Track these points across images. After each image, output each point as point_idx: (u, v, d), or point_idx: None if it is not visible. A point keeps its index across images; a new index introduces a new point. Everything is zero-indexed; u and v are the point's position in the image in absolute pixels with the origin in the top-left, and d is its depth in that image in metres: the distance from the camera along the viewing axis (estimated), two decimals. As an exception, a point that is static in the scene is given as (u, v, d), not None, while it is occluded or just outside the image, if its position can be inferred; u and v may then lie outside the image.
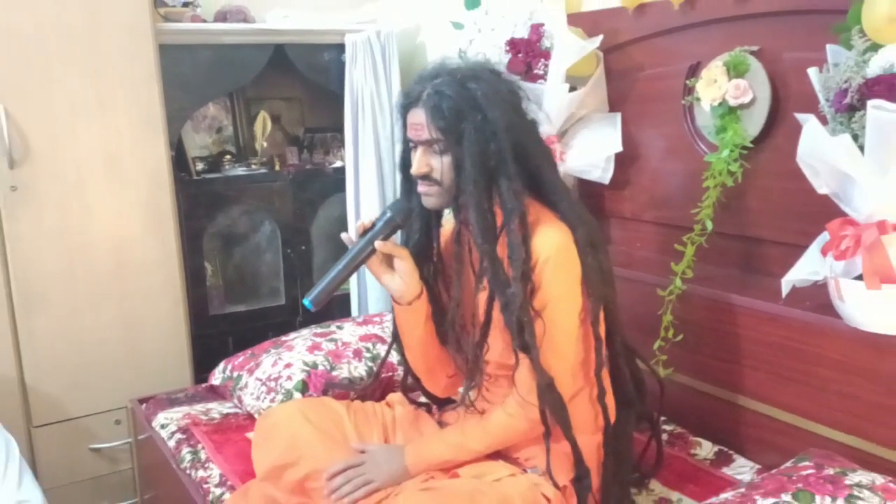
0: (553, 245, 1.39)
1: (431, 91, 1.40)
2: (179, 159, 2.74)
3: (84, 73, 2.30)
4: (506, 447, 1.51)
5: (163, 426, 2.08)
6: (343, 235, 1.55)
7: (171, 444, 1.99)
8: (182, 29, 2.60)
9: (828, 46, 1.51)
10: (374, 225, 1.50)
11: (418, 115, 1.42)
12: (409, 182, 1.53)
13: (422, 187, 1.46)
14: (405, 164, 1.51)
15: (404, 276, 1.51)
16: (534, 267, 1.38)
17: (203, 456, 1.88)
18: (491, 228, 1.39)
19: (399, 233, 1.58)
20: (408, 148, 1.49)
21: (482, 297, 1.44)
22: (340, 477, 1.46)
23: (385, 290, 1.59)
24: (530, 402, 1.41)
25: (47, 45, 2.24)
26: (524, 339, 1.37)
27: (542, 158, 1.47)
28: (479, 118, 1.37)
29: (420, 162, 1.43)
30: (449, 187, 1.43)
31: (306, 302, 1.47)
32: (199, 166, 2.87)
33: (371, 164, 2.85)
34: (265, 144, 3.00)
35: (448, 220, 1.62)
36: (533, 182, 1.45)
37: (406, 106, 1.46)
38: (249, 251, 3.10)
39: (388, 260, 1.52)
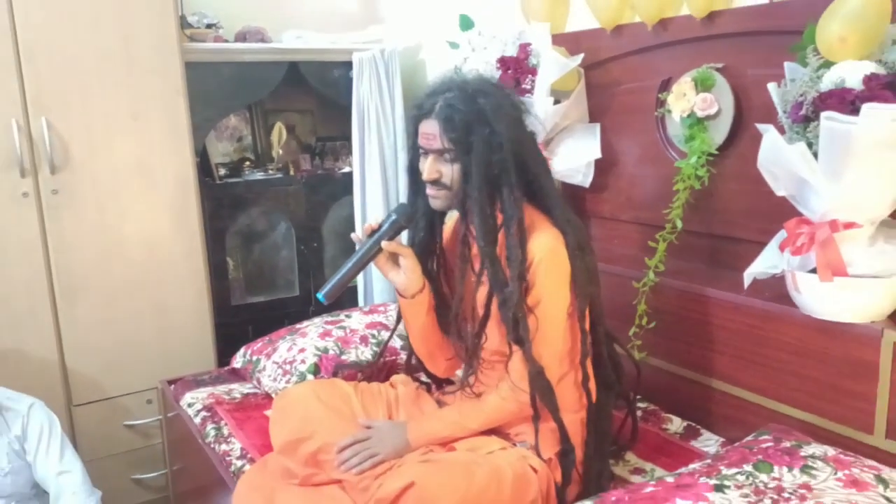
0: (546, 248, 1.39)
1: (444, 104, 1.39)
2: (204, 165, 2.74)
3: (118, 88, 2.29)
4: (498, 425, 1.51)
5: (189, 405, 2.08)
6: (353, 235, 1.55)
7: (197, 420, 1.99)
8: (206, 48, 2.60)
9: (785, 64, 1.51)
10: (380, 226, 1.50)
11: (431, 126, 1.40)
12: (416, 184, 1.52)
13: (431, 190, 1.45)
14: (413, 168, 1.51)
15: (408, 273, 1.51)
16: (528, 267, 1.38)
17: (226, 431, 1.88)
18: (492, 231, 1.39)
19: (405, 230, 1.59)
20: (417, 154, 1.48)
21: (481, 293, 1.44)
22: (349, 450, 1.47)
23: (390, 284, 1.60)
24: (521, 388, 1.41)
25: (86, 64, 2.23)
26: (518, 333, 1.38)
27: (540, 168, 1.47)
28: (487, 131, 1.37)
29: (431, 169, 1.42)
30: (457, 192, 1.42)
31: (320, 296, 1.48)
32: (222, 171, 2.87)
33: (376, 170, 2.85)
34: (281, 152, 3.00)
35: (450, 218, 1.62)
36: (531, 190, 1.45)
37: (418, 116, 1.44)
38: (267, 248, 3.10)
39: (394, 258, 1.52)
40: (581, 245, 1.45)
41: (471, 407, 1.49)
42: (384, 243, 1.48)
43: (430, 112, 1.41)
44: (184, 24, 2.58)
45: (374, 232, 1.50)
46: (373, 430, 1.51)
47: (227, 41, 2.73)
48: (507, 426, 1.52)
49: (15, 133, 2.15)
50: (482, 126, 1.37)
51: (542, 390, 1.40)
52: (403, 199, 2.90)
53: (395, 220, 1.50)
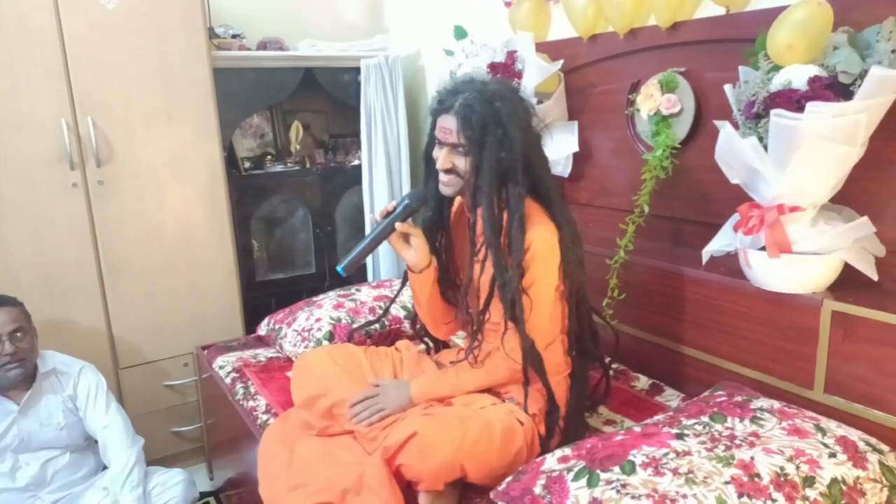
0: (542, 239, 1.37)
1: (463, 102, 1.35)
2: (231, 159, 2.72)
3: (155, 91, 2.27)
4: (489, 387, 1.51)
5: (221, 367, 2.08)
6: (370, 216, 1.54)
7: (228, 381, 1.99)
8: (231, 56, 2.57)
9: (740, 67, 1.50)
10: (395, 209, 1.49)
11: (449, 121, 1.38)
12: (430, 169, 1.49)
13: (443, 177, 1.43)
14: (428, 155, 1.47)
15: (418, 250, 1.51)
16: (525, 251, 1.36)
17: (253, 390, 1.89)
18: (498, 223, 1.37)
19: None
20: (432, 143, 1.45)
21: (486, 276, 1.43)
22: (360, 405, 1.47)
23: (398, 261, 1.59)
24: (513, 358, 1.41)
25: (126, 69, 2.21)
26: (514, 313, 1.37)
27: (542, 168, 1.44)
28: (500, 132, 1.34)
29: (445, 160, 1.40)
30: (468, 183, 1.40)
31: (339, 269, 1.47)
32: (247, 164, 2.84)
33: (382, 162, 2.83)
34: (298, 147, 2.98)
35: (456, 201, 1.60)
36: (534, 187, 1.42)
37: (439, 110, 1.41)
38: (287, 231, 3.09)
39: (405, 237, 1.51)
40: (573, 239, 1.44)
41: (468, 372, 1.49)
42: (397, 224, 1.47)
43: (449, 108, 1.38)
44: (212, 34, 2.55)
45: (388, 214, 1.49)
46: (380, 387, 1.51)
47: (249, 49, 2.70)
48: (498, 386, 1.52)
49: (65, 131, 2.13)
50: (496, 127, 1.34)
51: (533, 361, 1.41)
52: (406, 187, 2.91)
53: (408, 204, 1.49)
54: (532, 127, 1.42)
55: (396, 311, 2.12)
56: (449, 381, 1.50)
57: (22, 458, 1.87)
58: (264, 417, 1.73)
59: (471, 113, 1.34)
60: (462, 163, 1.39)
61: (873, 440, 1.25)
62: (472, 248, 1.45)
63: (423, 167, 1.53)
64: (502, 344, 1.43)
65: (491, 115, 1.34)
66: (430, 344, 1.78)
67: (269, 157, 2.92)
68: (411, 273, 1.55)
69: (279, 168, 2.87)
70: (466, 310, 1.50)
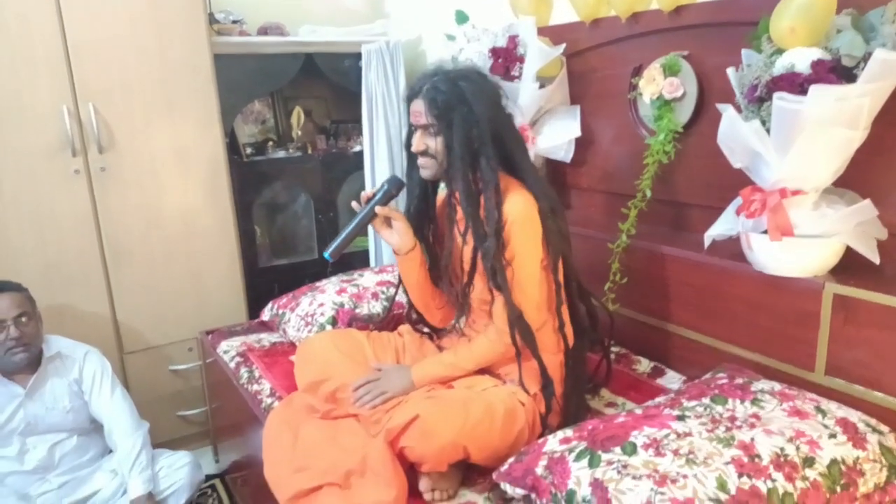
0: (519, 210, 1.40)
1: (430, 86, 1.41)
2: (232, 145, 2.72)
3: (155, 77, 2.26)
4: (489, 365, 1.52)
5: (225, 352, 2.09)
6: (353, 203, 1.56)
7: (232, 365, 2.01)
8: (232, 41, 2.56)
9: (743, 51, 1.49)
10: (375, 195, 1.52)
11: (418, 105, 1.43)
12: (411, 158, 1.53)
13: (420, 160, 1.47)
14: (409, 144, 1.52)
15: (400, 233, 1.53)
16: (504, 226, 1.39)
17: (257, 374, 1.90)
18: (473, 195, 1.41)
19: (403, 200, 1.59)
20: (411, 131, 1.49)
21: (468, 249, 1.46)
22: (362, 389, 1.48)
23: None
24: (505, 331, 1.42)
25: (126, 56, 2.20)
26: (497, 281, 1.40)
27: (514, 144, 1.47)
28: (466, 110, 1.39)
29: (419, 141, 1.45)
30: (441, 162, 1.44)
31: (326, 255, 1.53)
32: (248, 150, 2.84)
33: (383, 148, 2.83)
34: (300, 133, 2.97)
35: (442, 190, 1.62)
36: (507, 162, 1.46)
37: (409, 97, 1.46)
38: (289, 217, 3.09)
39: (388, 221, 1.54)
40: (553, 208, 1.46)
41: (465, 350, 1.51)
42: (378, 208, 1.51)
43: (418, 93, 1.44)
44: (212, 20, 2.54)
45: (369, 200, 1.52)
46: (382, 372, 1.53)
47: (250, 35, 2.69)
48: (497, 366, 1.53)
49: (66, 117, 2.13)
50: (462, 105, 1.39)
51: (521, 331, 1.42)
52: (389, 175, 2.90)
53: (386, 189, 1.53)
54: (501, 105, 1.47)
55: (400, 295, 2.12)
56: (447, 361, 1.51)
57: (29, 442, 1.89)
58: (268, 401, 1.75)
59: (436, 94, 1.40)
60: (433, 143, 1.43)
61: (873, 421, 1.26)
62: (449, 223, 1.49)
63: (406, 157, 1.56)
64: (492, 319, 1.45)
65: (455, 93, 1.39)
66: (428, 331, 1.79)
67: (270, 143, 2.91)
68: (398, 256, 1.57)
69: (281, 154, 2.87)
70: (449, 283, 1.53)
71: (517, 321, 1.41)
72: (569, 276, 1.54)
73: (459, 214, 1.46)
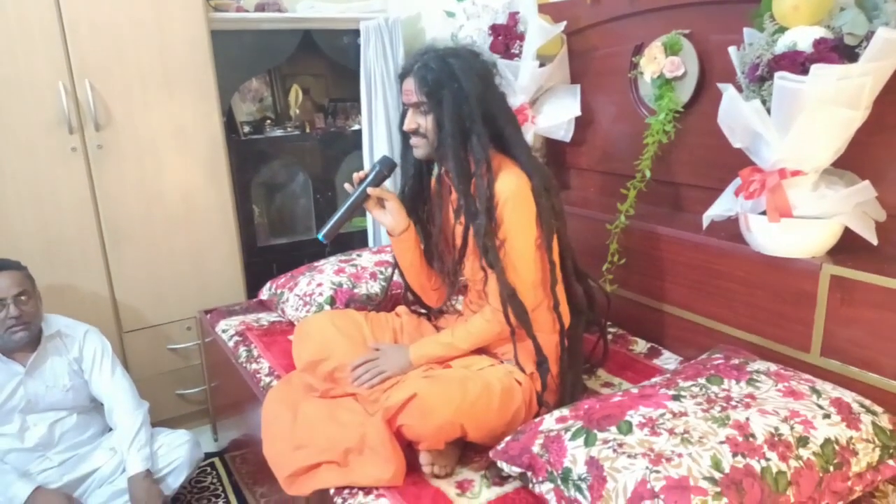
0: (511, 188, 1.40)
1: (420, 64, 1.41)
2: (230, 123, 2.70)
3: (152, 54, 2.24)
4: (485, 345, 1.53)
5: (224, 331, 2.10)
6: (346, 185, 1.56)
7: (231, 344, 2.02)
8: (229, 18, 2.53)
9: (745, 29, 1.47)
10: (367, 176, 1.52)
11: (409, 83, 1.43)
12: (405, 138, 1.53)
13: (412, 140, 1.47)
14: (402, 123, 1.51)
15: (393, 214, 1.54)
16: (496, 205, 1.39)
17: (255, 353, 1.91)
18: (465, 173, 1.41)
19: (397, 180, 1.59)
20: (405, 111, 1.48)
21: (459, 227, 1.46)
22: (361, 368, 1.49)
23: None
24: (499, 309, 1.43)
25: (123, 33, 2.18)
26: (489, 259, 1.40)
27: (506, 121, 1.46)
28: (455, 86, 1.38)
29: (410, 120, 1.45)
30: (432, 140, 1.44)
31: (320, 236, 1.52)
32: (246, 129, 2.83)
33: (382, 127, 2.81)
34: (298, 111, 2.95)
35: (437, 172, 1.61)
36: (499, 140, 1.45)
37: (401, 76, 1.46)
38: (287, 197, 3.08)
39: (381, 202, 1.54)
40: (546, 187, 1.45)
41: (462, 330, 1.51)
42: (370, 189, 1.51)
43: (409, 71, 1.43)
44: (208, -5, 2.51)
45: (362, 181, 1.52)
46: (381, 351, 1.53)
47: (247, 11, 2.66)
48: (494, 346, 1.54)
49: (62, 94, 2.12)
50: (451, 81, 1.38)
51: (515, 309, 1.42)
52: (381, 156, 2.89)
53: (378, 170, 1.53)
54: (493, 83, 1.46)
55: (397, 276, 2.13)
56: (444, 341, 1.52)
57: (29, 419, 1.90)
58: (267, 380, 1.76)
59: (426, 71, 1.40)
60: (424, 121, 1.43)
61: (867, 402, 1.27)
62: (438, 199, 1.50)
63: (401, 138, 1.56)
64: (487, 298, 1.46)
65: (445, 70, 1.39)
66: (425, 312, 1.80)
67: (268, 121, 2.90)
68: (392, 238, 1.57)
69: (279, 133, 2.86)
70: (441, 260, 1.55)
71: (510, 299, 1.41)
72: (564, 255, 1.54)
73: (452, 193, 1.45)
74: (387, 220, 1.55)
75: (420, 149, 1.47)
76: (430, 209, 1.62)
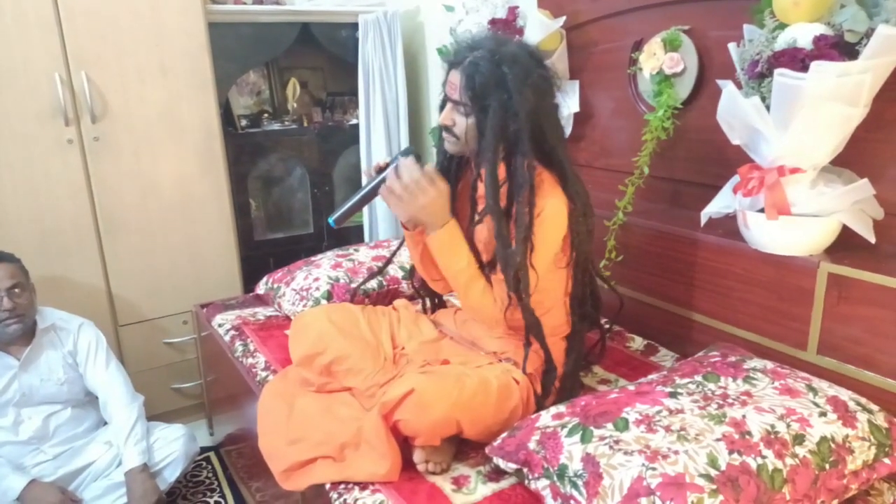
0: (551, 209, 1.35)
1: (472, 60, 1.32)
2: (227, 116, 2.69)
3: (149, 46, 2.24)
4: (469, 310, 1.48)
5: (220, 325, 2.10)
6: (364, 170, 1.53)
7: (227, 338, 2.01)
8: (227, 9, 2.52)
9: (745, 26, 1.47)
10: (387, 165, 1.48)
11: (455, 77, 1.35)
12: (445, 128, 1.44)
13: (445, 134, 1.42)
14: (442, 109, 1.43)
15: None
16: (535, 216, 1.34)
17: (252, 347, 1.91)
18: (498, 190, 1.34)
19: None
20: (444, 101, 1.42)
21: (482, 231, 1.42)
22: (397, 184, 1.37)
23: (395, 221, 1.58)
24: (498, 307, 1.41)
25: (119, 23, 2.17)
26: (517, 287, 1.34)
27: (557, 140, 1.39)
28: (506, 97, 1.29)
29: (446, 115, 1.39)
30: (465, 144, 1.38)
31: (330, 220, 1.49)
32: (243, 122, 2.82)
33: (380, 121, 2.80)
34: (295, 105, 2.95)
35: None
36: (547, 158, 1.39)
37: (452, 63, 1.38)
38: (284, 190, 3.08)
39: None
40: (585, 211, 1.42)
41: (475, 281, 1.42)
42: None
43: (458, 64, 1.35)
44: (206, -13, 2.50)
45: (381, 170, 1.47)
46: (430, 195, 1.38)
47: (245, 3, 2.65)
48: (493, 346, 1.53)
49: (58, 85, 2.11)
50: (501, 91, 1.29)
51: (532, 325, 1.40)
52: (404, 147, 2.88)
53: (399, 161, 1.48)
54: (548, 96, 1.37)
55: (394, 271, 2.13)
56: (462, 266, 1.41)
57: (24, 413, 1.90)
58: (263, 374, 1.75)
59: (475, 72, 1.31)
60: (463, 123, 1.36)
61: (863, 400, 1.27)
62: (471, 205, 1.44)
63: (440, 127, 1.47)
64: (493, 291, 1.42)
65: (496, 77, 1.29)
66: (428, 303, 1.79)
67: (265, 115, 2.89)
68: (406, 231, 1.55)
69: (276, 126, 2.85)
70: None
71: (530, 319, 1.38)
72: (585, 269, 1.52)
73: (480, 193, 1.39)
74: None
75: (451, 145, 1.42)
76: (453, 206, 1.51)
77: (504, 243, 1.34)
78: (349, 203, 1.49)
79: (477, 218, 1.42)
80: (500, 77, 1.29)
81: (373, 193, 1.48)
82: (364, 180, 1.52)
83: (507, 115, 1.30)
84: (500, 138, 1.32)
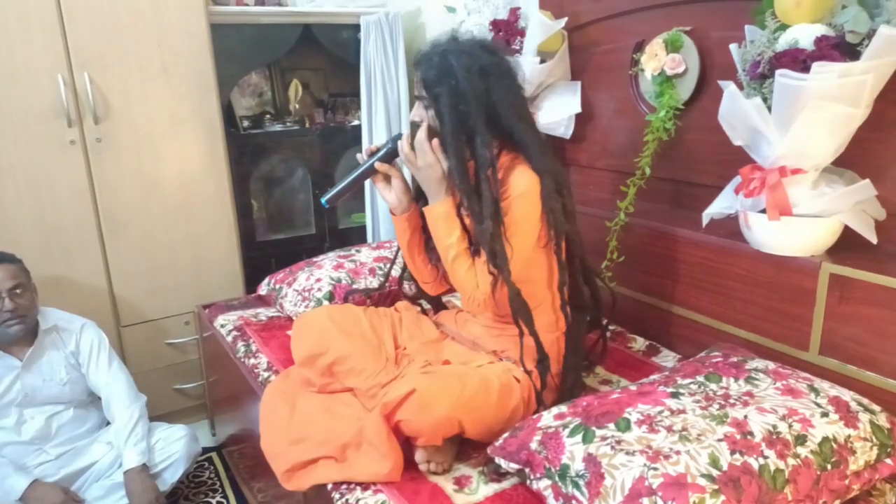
0: (518, 186, 1.38)
1: (424, 55, 1.41)
2: (229, 117, 2.70)
3: (151, 47, 2.24)
4: (455, 285, 1.48)
5: (222, 326, 2.10)
6: (357, 155, 1.56)
7: (229, 339, 2.01)
8: (229, 11, 2.53)
9: (746, 26, 1.47)
10: (378, 150, 1.52)
11: (416, 76, 1.43)
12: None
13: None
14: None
15: (397, 192, 1.52)
16: (505, 198, 1.37)
17: (254, 348, 1.91)
18: (465, 172, 1.38)
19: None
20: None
21: (464, 216, 1.44)
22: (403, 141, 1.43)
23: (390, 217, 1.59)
24: (482, 290, 1.40)
25: (122, 24, 2.18)
26: (496, 262, 1.37)
27: (516, 120, 1.41)
28: (452, 83, 1.36)
29: (415, 112, 1.45)
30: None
31: (323, 201, 1.51)
32: (245, 123, 2.83)
33: (382, 122, 2.80)
34: (297, 106, 2.95)
35: None
36: (508, 139, 1.42)
37: (415, 65, 1.46)
38: (286, 191, 3.08)
39: (387, 178, 1.53)
40: (559, 187, 1.43)
41: (463, 253, 1.43)
42: (378, 164, 1.50)
43: (416, 63, 1.43)
44: (208, -12, 2.51)
45: (373, 154, 1.52)
46: (428, 166, 1.41)
47: (247, 4, 2.66)
48: (492, 345, 1.54)
49: (61, 86, 2.11)
50: (449, 78, 1.36)
51: (519, 308, 1.41)
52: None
53: (390, 147, 1.51)
54: (500, 80, 1.39)
55: (397, 272, 2.13)
56: (455, 236, 1.43)
57: (26, 413, 1.90)
58: (265, 375, 1.76)
59: (428, 66, 1.39)
60: (426, 116, 1.42)
61: (865, 400, 1.27)
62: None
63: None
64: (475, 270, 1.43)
65: (443, 67, 1.37)
66: (427, 305, 1.80)
67: (267, 116, 2.90)
68: (393, 216, 1.57)
69: (278, 127, 2.85)
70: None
71: (515, 299, 1.39)
72: (573, 255, 1.52)
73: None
74: (390, 197, 1.53)
75: None
76: None
77: (478, 220, 1.37)
78: (342, 184, 1.52)
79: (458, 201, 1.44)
80: (446, 65, 1.37)
81: (363, 177, 1.52)
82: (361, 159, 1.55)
83: (457, 99, 1.36)
84: (455, 122, 1.36)
